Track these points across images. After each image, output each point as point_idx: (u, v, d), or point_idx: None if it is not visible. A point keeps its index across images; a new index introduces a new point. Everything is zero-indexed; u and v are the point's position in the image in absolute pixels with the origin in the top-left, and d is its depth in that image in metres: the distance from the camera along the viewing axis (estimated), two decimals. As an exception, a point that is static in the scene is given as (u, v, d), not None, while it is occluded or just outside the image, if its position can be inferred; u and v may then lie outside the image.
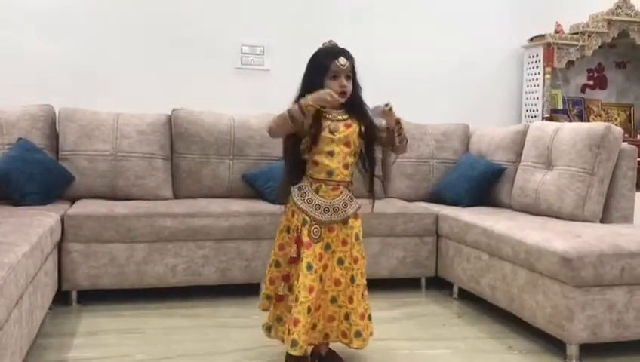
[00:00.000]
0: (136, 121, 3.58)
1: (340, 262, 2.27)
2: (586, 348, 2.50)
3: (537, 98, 4.53)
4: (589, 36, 4.48)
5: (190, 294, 3.21)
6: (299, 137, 2.25)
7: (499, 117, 4.63)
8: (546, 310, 2.57)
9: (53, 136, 3.50)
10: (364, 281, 2.32)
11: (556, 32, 4.52)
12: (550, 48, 4.43)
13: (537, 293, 2.63)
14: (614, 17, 4.48)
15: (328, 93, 2.14)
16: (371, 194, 2.36)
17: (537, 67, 4.53)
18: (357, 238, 2.30)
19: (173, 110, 3.68)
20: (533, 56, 4.58)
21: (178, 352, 2.49)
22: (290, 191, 2.28)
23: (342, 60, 2.19)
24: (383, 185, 3.50)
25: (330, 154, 2.22)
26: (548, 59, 4.45)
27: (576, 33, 4.52)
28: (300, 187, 2.27)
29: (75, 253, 3.01)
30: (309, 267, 2.18)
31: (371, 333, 2.33)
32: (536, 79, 4.54)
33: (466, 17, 4.56)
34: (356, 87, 2.27)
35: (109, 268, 3.05)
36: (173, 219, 3.11)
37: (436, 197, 3.84)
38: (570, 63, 4.65)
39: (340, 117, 2.24)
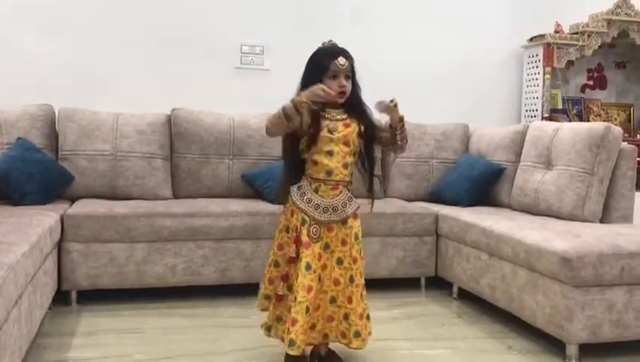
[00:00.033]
0: (136, 121, 3.58)
1: (339, 261, 2.27)
2: (585, 348, 2.50)
3: (537, 98, 4.53)
4: (588, 36, 4.48)
5: (190, 294, 3.21)
6: (298, 137, 2.25)
7: (498, 117, 4.63)
8: (546, 310, 2.57)
9: (53, 135, 3.50)
10: (363, 281, 2.31)
11: (556, 31, 4.52)
12: (550, 48, 4.43)
13: (537, 293, 2.63)
14: (614, 17, 4.48)
15: (321, 87, 2.13)
16: (371, 194, 2.36)
17: (537, 67, 4.53)
18: (356, 238, 2.30)
19: (173, 110, 3.68)
20: (532, 56, 4.58)
21: (178, 352, 2.49)
22: (290, 191, 2.28)
23: (341, 60, 2.19)
24: (382, 184, 3.49)
25: (330, 153, 2.22)
26: (548, 59, 4.45)
27: (576, 33, 4.52)
28: (299, 186, 2.27)
29: (74, 252, 3.01)
30: (308, 267, 2.18)
31: (370, 333, 2.32)
32: (536, 79, 4.54)
33: (465, 17, 4.56)
34: (355, 86, 2.27)
35: (108, 268, 3.05)
36: (172, 219, 3.11)
37: (436, 197, 3.84)
38: (570, 63, 4.65)
39: (339, 116, 2.24)
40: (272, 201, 3.29)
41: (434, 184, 3.94)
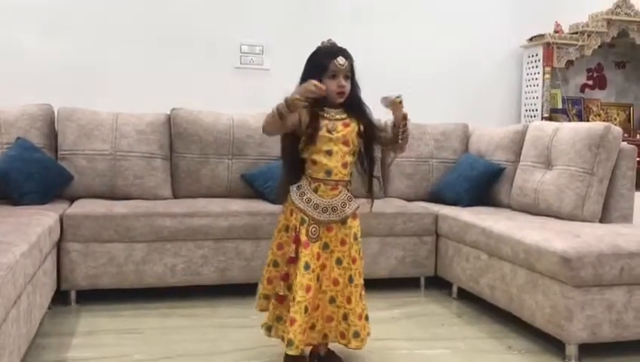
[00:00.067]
0: (136, 121, 3.57)
1: (339, 261, 2.27)
2: (585, 348, 2.49)
3: (537, 98, 4.53)
4: (588, 36, 4.48)
5: (189, 294, 3.21)
6: (297, 136, 2.25)
7: (498, 116, 4.63)
8: (546, 310, 2.56)
9: (52, 135, 3.50)
10: (362, 281, 2.31)
11: (556, 31, 4.52)
12: (550, 48, 4.43)
13: (537, 293, 2.63)
14: (614, 17, 4.48)
15: (313, 83, 2.12)
16: (370, 194, 2.36)
17: (537, 67, 4.53)
18: (355, 238, 2.29)
19: (173, 110, 3.68)
20: (532, 56, 4.58)
21: (177, 352, 2.49)
22: (289, 191, 2.28)
23: (340, 60, 2.18)
24: (381, 185, 3.49)
25: (329, 153, 2.22)
26: (547, 58, 4.45)
27: (576, 33, 4.52)
28: (298, 186, 2.27)
29: (73, 252, 3.01)
30: (307, 266, 2.18)
31: (369, 334, 2.32)
32: (536, 79, 4.54)
33: (465, 17, 4.56)
34: (355, 86, 2.26)
35: (107, 268, 3.04)
36: (172, 219, 3.11)
37: (435, 197, 3.84)
38: (570, 63, 4.65)
39: (338, 116, 2.24)
40: (271, 201, 3.29)
41: (434, 184, 3.94)
